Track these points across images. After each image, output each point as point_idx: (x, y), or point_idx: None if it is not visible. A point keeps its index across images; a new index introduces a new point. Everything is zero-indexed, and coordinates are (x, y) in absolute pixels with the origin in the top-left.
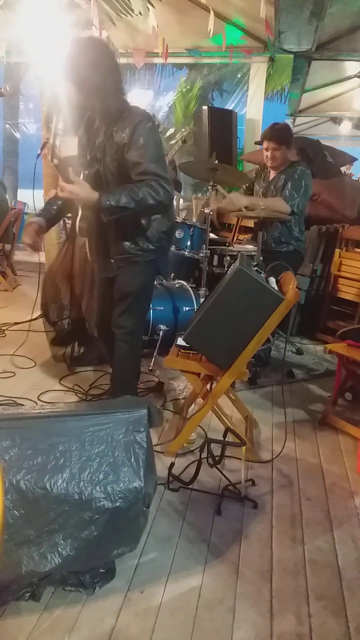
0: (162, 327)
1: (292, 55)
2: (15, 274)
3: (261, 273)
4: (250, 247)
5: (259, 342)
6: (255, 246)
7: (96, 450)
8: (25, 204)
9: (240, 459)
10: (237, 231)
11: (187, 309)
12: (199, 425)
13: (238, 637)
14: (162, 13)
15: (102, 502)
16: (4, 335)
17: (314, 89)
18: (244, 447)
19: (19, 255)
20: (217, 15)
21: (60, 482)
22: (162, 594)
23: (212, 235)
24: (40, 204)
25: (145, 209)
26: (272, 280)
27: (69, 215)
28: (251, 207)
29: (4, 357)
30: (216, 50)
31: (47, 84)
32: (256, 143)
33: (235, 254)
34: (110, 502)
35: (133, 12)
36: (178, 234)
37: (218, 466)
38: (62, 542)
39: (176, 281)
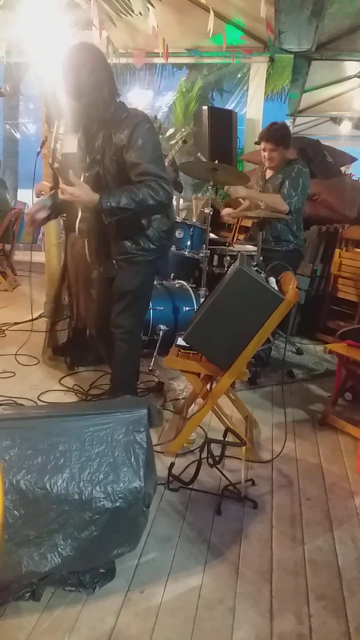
0: (162, 327)
1: (292, 55)
2: (15, 274)
3: (261, 273)
4: (250, 247)
5: (259, 342)
6: (254, 246)
7: (96, 450)
8: (25, 204)
9: (240, 459)
10: (237, 231)
11: (187, 309)
12: (199, 425)
13: (238, 637)
14: (162, 13)
15: (102, 502)
16: (4, 335)
17: (314, 89)
18: (244, 447)
19: (19, 255)
20: (217, 15)
21: (60, 482)
22: (162, 594)
23: (212, 235)
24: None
25: (145, 209)
26: (272, 280)
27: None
28: (248, 199)
29: (4, 357)
30: (216, 50)
31: (47, 83)
32: (256, 143)
33: (235, 254)
34: (110, 502)
35: (133, 12)
36: (178, 234)
37: (218, 466)
38: (62, 542)
39: (176, 281)
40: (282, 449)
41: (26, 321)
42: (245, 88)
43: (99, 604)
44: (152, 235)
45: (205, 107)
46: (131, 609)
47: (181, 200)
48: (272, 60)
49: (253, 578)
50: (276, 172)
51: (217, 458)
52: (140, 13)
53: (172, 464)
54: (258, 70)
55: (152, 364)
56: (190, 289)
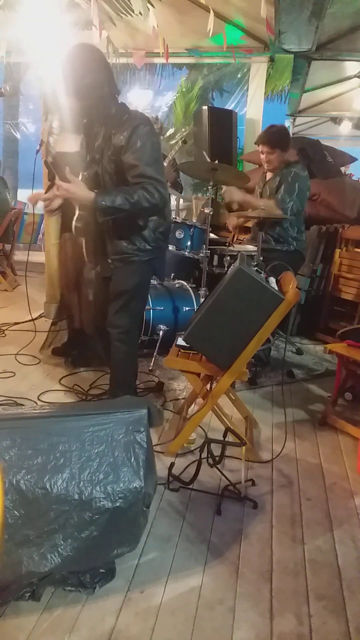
0: (162, 327)
1: (292, 55)
2: (15, 274)
3: (261, 273)
4: (250, 247)
5: (259, 342)
6: (255, 246)
7: (96, 450)
8: (25, 203)
9: (240, 459)
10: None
11: (187, 309)
12: (199, 425)
13: (238, 637)
14: (162, 13)
15: (102, 502)
16: (4, 335)
17: (314, 89)
18: (244, 447)
19: (19, 255)
20: (217, 15)
21: (60, 482)
22: (162, 594)
23: (212, 235)
24: (39, 204)
25: (139, 210)
26: (272, 280)
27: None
28: (244, 204)
29: (4, 357)
30: (216, 50)
31: (47, 83)
32: (256, 143)
33: (235, 254)
34: (110, 502)
35: (133, 12)
36: (178, 234)
37: (218, 466)
38: (62, 542)
39: (176, 281)
40: (282, 449)
41: (26, 321)
42: (245, 88)
43: (99, 604)
44: (148, 236)
45: (205, 107)
46: (131, 609)
47: (181, 200)
48: (272, 60)
49: (253, 578)
50: (275, 175)
51: (217, 458)
52: (140, 13)
53: (172, 464)
54: (258, 70)
55: (152, 364)
56: (190, 289)
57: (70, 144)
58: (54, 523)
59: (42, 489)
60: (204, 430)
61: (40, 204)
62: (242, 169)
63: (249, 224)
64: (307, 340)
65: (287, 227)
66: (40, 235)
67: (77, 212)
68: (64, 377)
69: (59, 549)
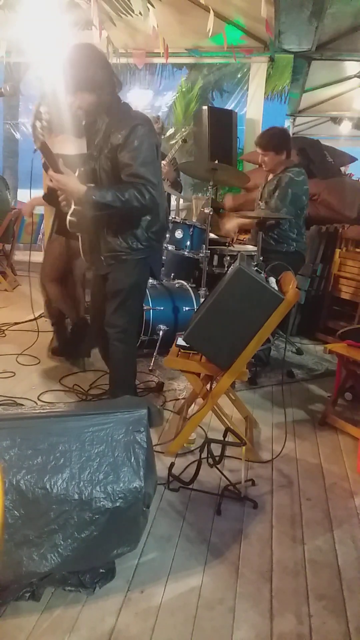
0: (162, 327)
1: (292, 55)
2: (15, 274)
3: (261, 273)
4: (250, 247)
5: (259, 342)
6: (255, 246)
7: (96, 450)
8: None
9: (240, 459)
10: (237, 231)
11: (187, 309)
12: (199, 425)
13: (238, 637)
14: (162, 13)
15: (102, 502)
16: (4, 335)
17: (314, 89)
18: (244, 447)
19: (19, 255)
20: (217, 15)
21: (60, 482)
22: (162, 594)
23: (212, 235)
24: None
25: (129, 209)
26: (272, 280)
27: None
28: (243, 225)
29: (4, 357)
30: (216, 50)
31: (47, 82)
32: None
33: (235, 254)
34: (110, 502)
35: (133, 12)
36: (178, 234)
37: (218, 466)
38: (62, 542)
39: (176, 281)
40: (282, 449)
41: (26, 321)
42: (245, 88)
43: (99, 604)
44: (141, 235)
45: (205, 107)
46: (131, 609)
47: (181, 200)
48: (272, 60)
49: (253, 578)
50: (273, 178)
51: (217, 458)
52: (140, 13)
53: (172, 464)
54: (258, 70)
55: (152, 364)
56: (190, 289)
57: (70, 147)
58: (53, 523)
59: (42, 489)
60: (204, 430)
61: (38, 209)
62: (242, 169)
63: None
64: (307, 340)
65: (286, 228)
66: (40, 235)
67: (72, 207)
68: (64, 377)
69: (59, 549)
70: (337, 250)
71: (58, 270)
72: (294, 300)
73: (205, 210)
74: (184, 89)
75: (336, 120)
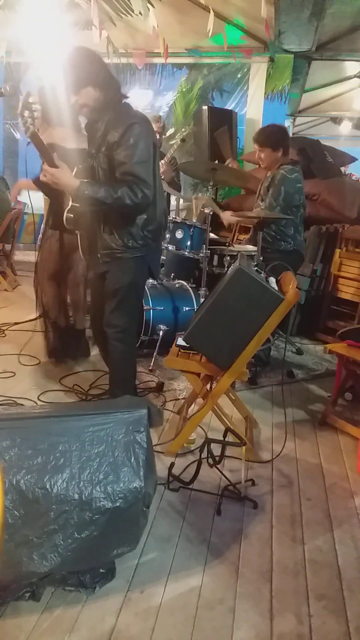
0: (162, 327)
1: (292, 55)
2: (15, 274)
3: (261, 273)
4: (250, 247)
5: (259, 342)
6: (254, 246)
7: (96, 450)
8: (25, 203)
9: (240, 459)
10: (237, 231)
11: (187, 309)
12: (199, 425)
13: (238, 637)
14: (162, 13)
15: (102, 502)
16: (4, 335)
17: (314, 89)
18: (244, 447)
19: (19, 255)
20: (217, 15)
21: (60, 482)
22: (162, 594)
23: (212, 235)
24: (37, 202)
25: (121, 207)
26: (272, 280)
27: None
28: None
29: (4, 357)
30: (216, 50)
31: (45, 82)
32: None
33: (235, 254)
34: (110, 502)
35: (133, 12)
36: (178, 233)
37: (218, 466)
38: (62, 542)
39: (176, 281)
40: (282, 449)
41: (26, 321)
42: (245, 88)
43: (99, 604)
44: (136, 233)
45: (205, 107)
46: (131, 609)
47: (181, 200)
48: (272, 60)
49: (253, 578)
50: (269, 175)
51: (217, 458)
52: (140, 13)
53: (172, 464)
54: (258, 70)
55: (152, 364)
56: (190, 289)
57: (69, 140)
58: (54, 523)
59: (42, 489)
60: (204, 430)
61: (38, 209)
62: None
63: (248, 223)
64: (307, 340)
65: (283, 225)
66: (40, 235)
67: (70, 203)
68: (64, 377)
69: (59, 549)
70: (337, 250)
71: (54, 268)
72: (294, 300)
73: (205, 210)
74: (184, 89)
75: (336, 120)
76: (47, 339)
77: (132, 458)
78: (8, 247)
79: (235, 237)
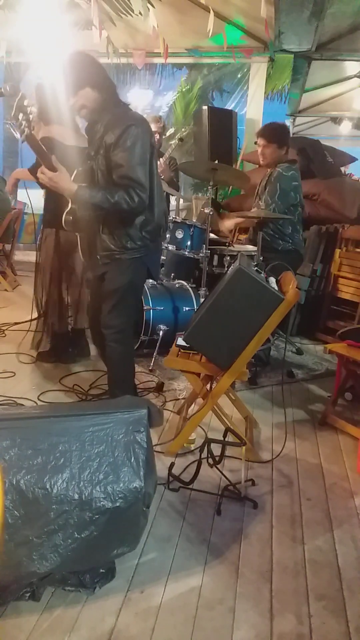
0: (162, 327)
1: (292, 55)
2: (15, 274)
3: (261, 273)
4: (250, 247)
5: (259, 342)
6: (254, 246)
7: (96, 450)
8: (25, 204)
9: (240, 459)
10: (237, 231)
11: (187, 309)
12: (199, 425)
13: (238, 637)
14: (162, 13)
15: (102, 502)
16: (4, 335)
17: (314, 89)
18: (244, 447)
19: (19, 255)
20: (217, 15)
21: (60, 482)
22: (162, 594)
23: (212, 235)
24: (37, 202)
25: (118, 211)
26: (272, 280)
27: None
28: (241, 223)
29: (4, 357)
30: (216, 50)
31: (39, 78)
32: (256, 143)
33: (235, 254)
34: (110, 502)
35: (133, 12)
36: (178, 234)
37: (218, 466)
38: (62, 542)
39: (176, 281)
40: (282, 449)
41: (26, 321)
42: (245, 88)
43: (99, 604)
44: (134, 234)
45: (205, 107)
46: (131, 609)
47: (181, 200)
48: (272, 60)
49: (253, 578)
50: (267, 174)
51: (217, 458)
52: (140, 13)
53: (172, 464)
54: (258, 70)
55: (152, 364)
56: (190, 289)
57: (68, 137)
58: (54, 523)
59: (42, 489)
60: (204, 430)
61: (38, 209)
62: (242, 169)
63: (248, 223)
64: (307, 340)
65: (281, 224)
66: (40, 235)
67: (69, 205)
68: (64, 377)
69: (59, 549)
70: (337, 250)
71: (55, 267)
72: (294, 300)
73: (205, 210)
74: (184, 89)
75: (336, 120)
76: (40, 339)
77: (132, 458)
78: (8, 247)
79: (235, 237)
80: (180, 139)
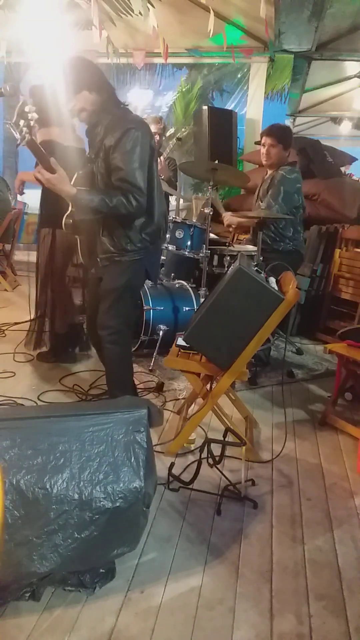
0: (162, 327)
1: (292, 55)
2: (15, 274)
3: (261, 273)
4: (250, 247)
5: (259, 342)
6: (254, 246)
7: (96, 450)
8: (25, 204)
9: (240, 459)
10: (236, 231)
11: (187, 309)
12: (199, 425)
13: (238, 637)
14: (162, 13)
15: (102, 502)
16: (4, 335)
17: (314, 89)
18: (244, 447)
19: (19, 255)
20: (217, 15)
21: (60, 482)
22: (162, 594)
23: (212, 235)
24: (37, 202)
25: (115, 215)
26: (272, 280)
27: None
28: (241, 223)
29: (4, 357)
30: (216, 50)
31: (36, 79)
32: (256, 143)
33: (235, 254)
34: (110, 502)
35: (133, 12)
36: (178, 234)
37: (218, 466)
38: (62, 542)
39: (176, 281)
40: (282, 449)
41: (26, 321)
42: (245, 88)
43: (99, 604)
44: (134, 237)
45: (205, 107)
46: (131, 609)
47: (181, 200)
48: (272, 60)
49: (253, 578)
50: (268, 176)
51: (217, 458)
52: (140, 13)
53: (172, 464)
54: (258, 70)
55: (152, 364)
56: (190, 289)
57: (68, 138)
58: (54, 523)
59: (42, 489)
60: (204, 430)
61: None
62: (242, 169)
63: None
64: (307, 340)
65: (283, 226)
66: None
67: (69, 209)
68: (64, 377)
69: (59, 549)
70: (337, 250)
71: (54, 267)
72: (294, 300)
73: (205, 210)
74: (184, 89)
75: (336, 120)
76: (37, 339)
77: (132, 458)
78: (8, 247)
79: (235, 237)
80: (179, 139)
